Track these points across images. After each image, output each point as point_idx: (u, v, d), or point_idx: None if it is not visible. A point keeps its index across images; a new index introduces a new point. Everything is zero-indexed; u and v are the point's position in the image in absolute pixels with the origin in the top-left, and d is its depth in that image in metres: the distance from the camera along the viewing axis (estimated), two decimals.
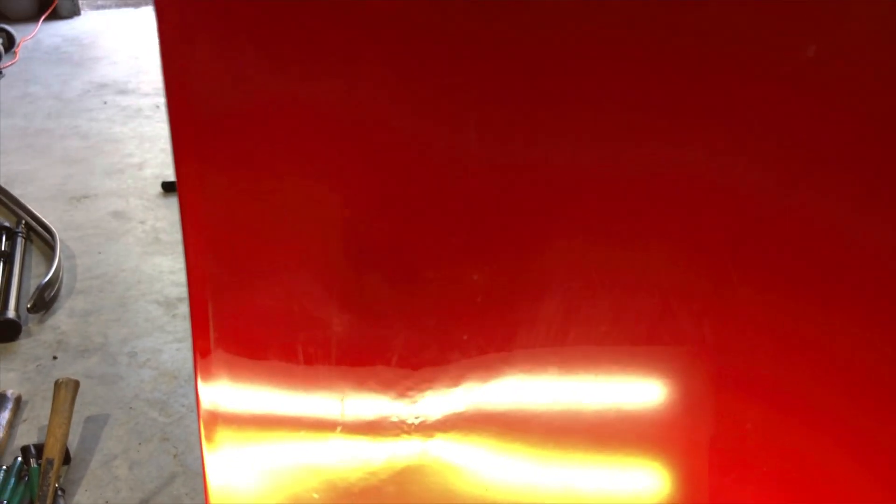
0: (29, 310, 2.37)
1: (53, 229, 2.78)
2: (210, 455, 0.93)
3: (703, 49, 0.82)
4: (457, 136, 0.85)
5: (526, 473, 0.94)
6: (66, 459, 1.85)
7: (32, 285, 2.52)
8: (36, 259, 2.72)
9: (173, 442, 1.93)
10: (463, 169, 0.86)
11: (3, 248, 2.65)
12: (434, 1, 0.81)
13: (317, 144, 0.86)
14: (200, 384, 0.91)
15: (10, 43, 4.86)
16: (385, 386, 0.91)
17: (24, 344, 2.28)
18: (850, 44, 0.83)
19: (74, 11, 5.75)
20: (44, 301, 2.40)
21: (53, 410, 1.90)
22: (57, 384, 1.96)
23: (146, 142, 3.66)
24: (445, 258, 0.89)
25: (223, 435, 0.93)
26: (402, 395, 0.91)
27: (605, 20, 0.81)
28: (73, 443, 1.91)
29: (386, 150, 0.86)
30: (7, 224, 2.79)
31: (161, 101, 4.05)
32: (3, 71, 4.55)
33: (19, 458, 1.83)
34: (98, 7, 6.06)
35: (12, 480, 1.77)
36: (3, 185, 3.11)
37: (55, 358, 2.22)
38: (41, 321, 2.38)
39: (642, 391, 0.93)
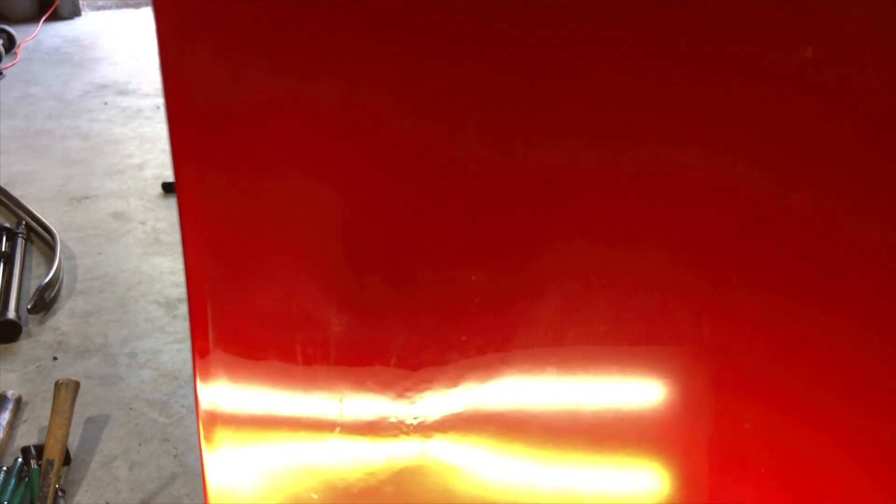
0: (29, 310, 2.38)
1: (54, 230, 2.78)
2: (209, 455, 0.93)
3: (699, 48, 0.82)
4: (455, 136, 0.85)
5: (525, 474, 0.93)
6: (67, 460, 1.85)
7: (33, 286, 2.53)
8: (36, 260, 2.72)
9: (173, 443, 1.93)
10: (461, 169, 0.86)
11: (3, 249, 2.65)
12: (434, 1, 0.81)
13: (315, 145, 0.86)
14: (199, 385, 0.91)
15: (10, 44, 4.87)
16: (384, 386, 0.91)
17: (24, 345, 2.28)
18: (850, 44, 0.83)
19: (75, 12, 5.75)
20: (44, 302, 2.40)
21: (54, 411, 1.90)
22: (57, 385, 1.96)
23: (146, 142, 3.66)
24: (444, 259, 0.89)
25: (222, 435, 0.93)
26: (400, 395, 0.91)
27: (604, 20, 0.81)
28: (74, 444, 1.91)
29: (384, 151, 0.86)
30: (7, 225, 2.79)
31: (162, 101, 4.06)
32: (4, 72, 4.55)
33: (19, 459, 1.83)
34: (99, 8, 6.06)
35: (12, 481, 1.77)
36: (3, 186, 3.11)
37: (55, 359, 2.22)
38: (41, 322, 2.38)
39: (641, 391, 0.93)
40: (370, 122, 0.85)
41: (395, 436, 0.92)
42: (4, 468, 1.79)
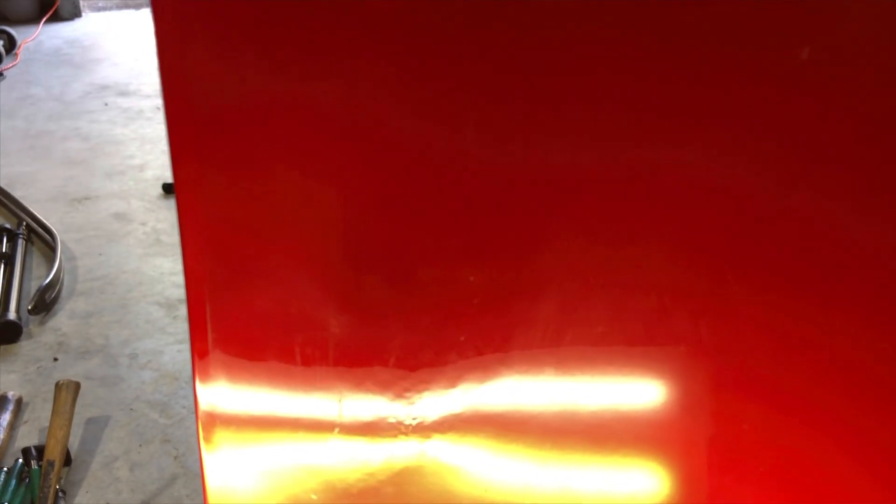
0: (30, 311, 2.38)
1: (54, 231, 2.79)
2: (209, 456, 0.93)
3: (697, 47, 0.82)
4: (453, 137, 0.85)
5: (524, 474, 0.93)
6: (67, 461, 1.86)
7: (33, 287, 2.53)
8: (37, 261, 2.72)
9: (174, 443, 1.93)
10: (459, 170, 0.86)
11: (3, 250, 2.66)
12: (433, 1, 0.81)
13: (314, 145, 0.86)
14: (199, 385, 0.91)
15: (11, 45, 4.87)
16: (382, 387, 0.91)
17: (24, 346, 2.28)
18: (849, 44, 0.83)
19: (75, 13, 5.75)
20: (45, 303, 2.40)
21: (54, 412, 1.90)
22: (58, 386, 1.96)
23: (147, 143, 3.66)
24: (443, 259, 0.89)
25: (222, 436, 0.93)
26: (399, 396, 0.91)
27: (603, 20, 0.81)
28: (74, 444, 1.92)
29: (382, 152, 0.86)
30: (8, 226, 2.79)
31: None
32: (5, 73, 4.55)
33: (20, 460, 1.83)
34: (99, 9, 6.06)
35: (13, 482, 1.77)
36: (4, 187, 3.11)
37: (56, 360, 2.22)
38: (42, 323, 2.38)
39: (639, 391, 0.93)
40: (369, 123, 0.85)
41: (394, 436, 0.92)
42: (5, 469, 1.80)
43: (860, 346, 0.90)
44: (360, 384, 0.91)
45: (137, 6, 6.10)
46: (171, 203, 3.11)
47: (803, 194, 0.87)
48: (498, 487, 0.93)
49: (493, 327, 0.90)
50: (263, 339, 0.91)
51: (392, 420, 0.91)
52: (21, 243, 2.70)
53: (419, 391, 0.91)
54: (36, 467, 1.79)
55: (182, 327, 2.37)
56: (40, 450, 1.83)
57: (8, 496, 1.74)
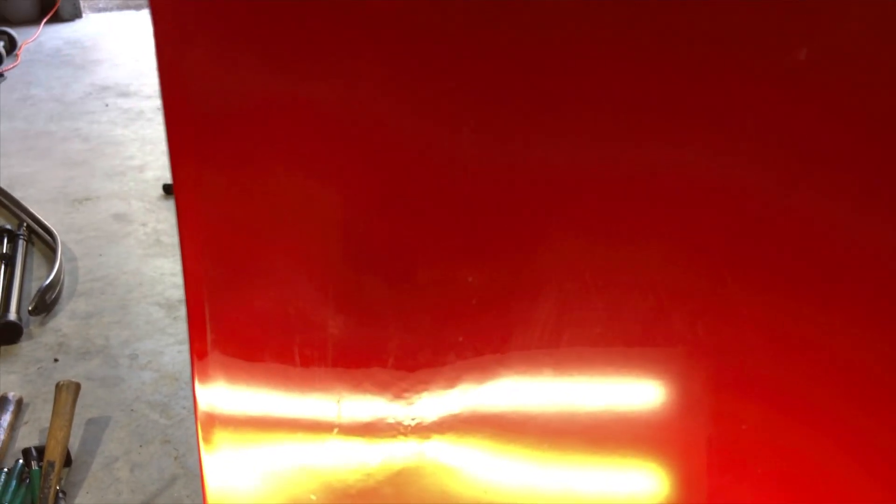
0: (30, 312, 2.38)
1: (55, 232, 2.79)
2: (208, 457, 0.93)
3: (691, 46, 0.82)
4: (452, 138, 0.85)
5: (523, 474, 0.93)
6: (68, 462, 1.86)
7: (34, 288, 2.53)
8: (37, 261, 2.72)
9: (174, 444, 1.93)
10: (457, 171, 0.86)
11: (4, 251, 2.66)
12: (433, 1, 0.81)
13: (313, 146, 0.86)
14: (198, 386, 0.92)
15: (11, 46, 4.88)
16: (381, 388, 0.91)
17: (25, 346, 2.28)
18: (848, 44, 0.83)
19: (76, 14, 5.76)
20: (45, 303, 2.41)
21: (54, 413, 1.90)
22: (58, 386, 1.96)
23: (147, 144, 3.66)
24: (441, 260, 0.89)
25: (221, 437, 0.93)
26: (398, 396, 0.91)
27: (601, 20, 0.81)
28: (74, 445, 1.92)
29: (380, 153, 0.86)
30: (8, 226, 2.80)
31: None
32: (5, 73, 4.56)
33: (20, 461, 1.83)
34: (100, 10, 6.07)
35: (13, 483, 1.77)
36: (4, 188, 3.11)
37: (56, 360, 2.22)
38: (42, 323, 2.39)
39: (638, 392, 0.93)
40: (367, 124, 0.85)
41: (393, 437, 0.92)
42: (5, 470, 1.80)
43: (859, 346, 0.90)
44: (359, 385, 0.91)
45: (138, 7, 6.11)
46: (172, 204, 3.12)
47: (802, 194, 0.87)
48: (497, 488, 0.93)
49: (491, 328, 0.90)
50: (262, 339, 0.92)
51: (391, 420, 0.91)
52: (21, 244, 2.70)
53: (418, 392, 0.91)
54: (36, 468, 1.80)
55: (182, 328, 2.37)
56: (41, 450, 1.84)
57: (8, 497, 1.74)
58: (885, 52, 0.82)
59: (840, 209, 0.87)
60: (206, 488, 0.94)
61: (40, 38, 5.27)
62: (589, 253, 0.89)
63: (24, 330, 2.33)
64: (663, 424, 0.93)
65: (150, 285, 2.58)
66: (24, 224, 2.83)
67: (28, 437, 1.96)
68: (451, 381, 0.91)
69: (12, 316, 2.32)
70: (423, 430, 0.92)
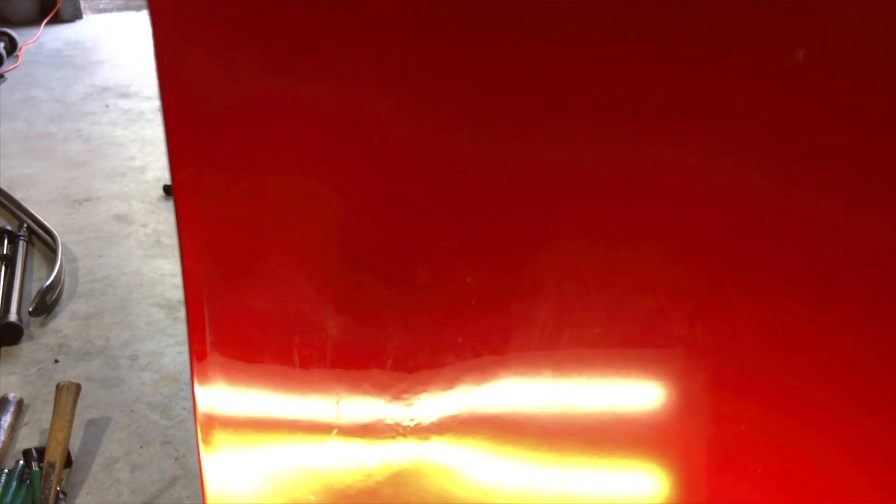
0: (31, 313, 2.38)
1: (55, 232, 2.79)
2: (207, 458, 0.93)
3: (695, 47, 0.82)
4: (451, 138, 0.85)
5: (522, 476, 0.93)
6: (68, 463, 1.86)
7: (34, 289, 2.53)
8: (38, 262, 2.72)
9: (175, 445, 1.93)
10: (456, 171, 0.86)
11: (4, 252, 2.66)
12: (432, 1, 0.81)
13: (312, 146, 0.86)
14: (197, 387, 0.92)
15: (12, 47, 4.88)
16: (380, 389, 0.91)
17: (25, 347, 2.28)
18: (848, 44, 0.83)
19: (76, 15, 5.76)
20: (45, 304, 2.41)
21: (55, 414, 1.90)
22: (58, 387, 1.96)
23: (148, 145, 3.67)
24: (440, 261, 0.89)
25: (220, 438, 0.93)
26: (397, 397, 0.91)
27: (600, 20, 0.81)
28: (75, 446, 1.92)
29: (380, 153, 0.86)
30: (9, 227, 2.80)
31: None
32: (6, 75, 4.56)
33: (21, 462, 1.83)
34: (100, 11, 6.07)
35: (14, 484, 1.77)
36: (5, 189, 3.12)
37: (57, 361, 2.23)
38: (43, 324, 2.39)
39: (638, 393, 0.93)
40: (366, 124, 0.85)
41: (392, 438, 0.92)
42: (6, 471, 1.80)
43: (859, 347, 0.90)
44: (358, 386, 0.91)
45: (138, 8, 6.11)
46: (172, 205, 3.12)
47: (802, 195, 0.87)
48: (496, 489, 0.93)
49: (491, 329, 0.90)
50: (262, 340, 0.92)
51: (390, 421, 0.91)
52: (22, 245, 2.70)
53: (417, 393, 0.91)
54: (37, 469, 1.80)
55: (182, 329, 2.37)
56: (41, 451, 1.84)
57: (9, 498, 1.74)
58: (885, 52, 0.82)
59: (839, 209, 0.87)
60: (205, 489, 0.93)
61: (41, 39, 5.27)
62: (588, 253, 0.89)
63: (25, 331, 2.33)
64: (663, 425, 0.93)
65: (151, 286, 2.58)
66: (25, 225, 2.84)
67: (28, 438, 1.96)
68: (451, 382, 0.91)
69: (13, 317, 2.32)
70: (422, 430, 0.92)
